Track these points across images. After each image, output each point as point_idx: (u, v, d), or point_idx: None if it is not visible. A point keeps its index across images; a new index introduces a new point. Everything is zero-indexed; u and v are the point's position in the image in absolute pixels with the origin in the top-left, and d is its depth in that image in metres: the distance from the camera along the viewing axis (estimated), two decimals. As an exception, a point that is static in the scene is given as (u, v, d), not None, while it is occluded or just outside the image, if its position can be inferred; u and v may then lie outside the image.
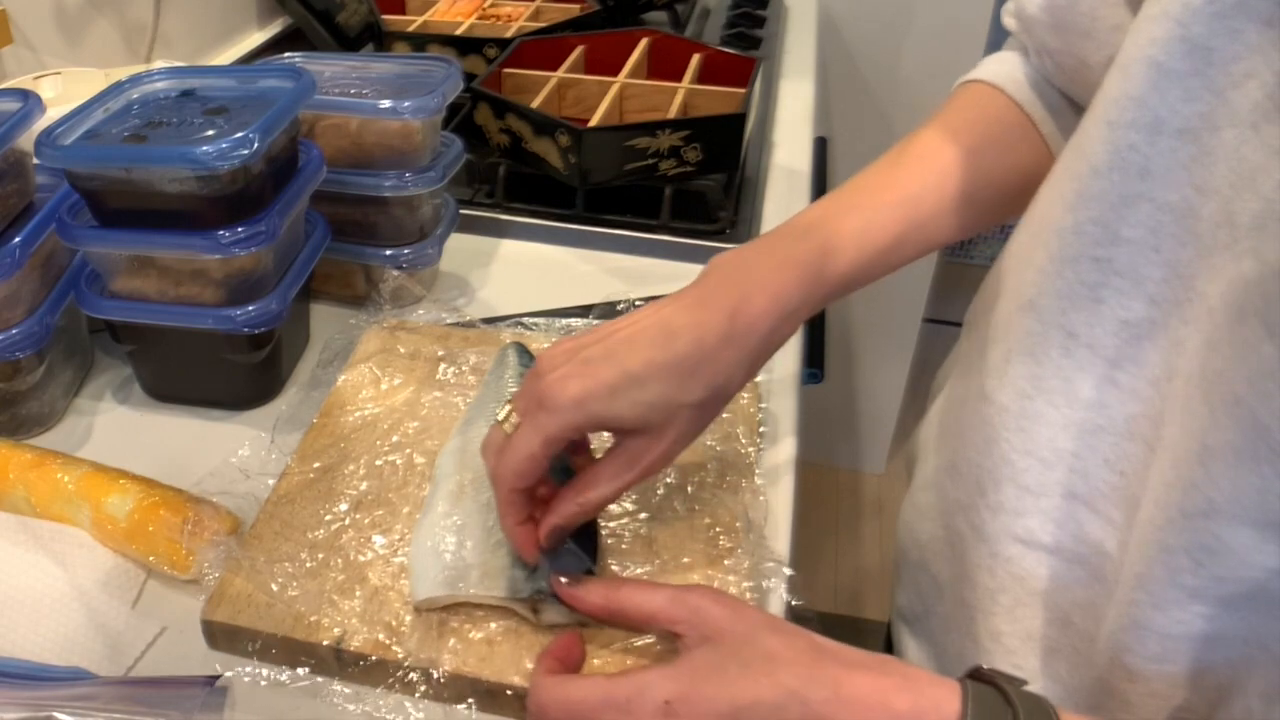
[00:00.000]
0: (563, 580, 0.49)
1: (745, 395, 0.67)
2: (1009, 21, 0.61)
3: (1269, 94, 0.38)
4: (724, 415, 0.65)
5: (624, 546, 0.56)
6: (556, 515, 0.49)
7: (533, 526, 0.50)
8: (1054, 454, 0.48)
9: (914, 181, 0.57)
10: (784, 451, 0.66)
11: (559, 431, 0.47)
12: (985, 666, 0.42)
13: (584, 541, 0.53)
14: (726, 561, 0.55)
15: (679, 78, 1.00)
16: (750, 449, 0.63)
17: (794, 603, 0.54)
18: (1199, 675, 0.41)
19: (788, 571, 0.56)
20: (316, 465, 0.61)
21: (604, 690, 0.43)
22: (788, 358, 0.74)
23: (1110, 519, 0.46)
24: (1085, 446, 0.47)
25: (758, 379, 0.68)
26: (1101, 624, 0.46)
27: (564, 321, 0.75)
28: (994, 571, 0.52)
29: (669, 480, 0.60)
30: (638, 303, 0.76)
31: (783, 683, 0.41)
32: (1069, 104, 0.59)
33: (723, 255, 0.53)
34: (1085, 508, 0.47)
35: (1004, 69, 0.61)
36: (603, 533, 0.56)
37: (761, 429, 0.65)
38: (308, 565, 0.54)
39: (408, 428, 0.64)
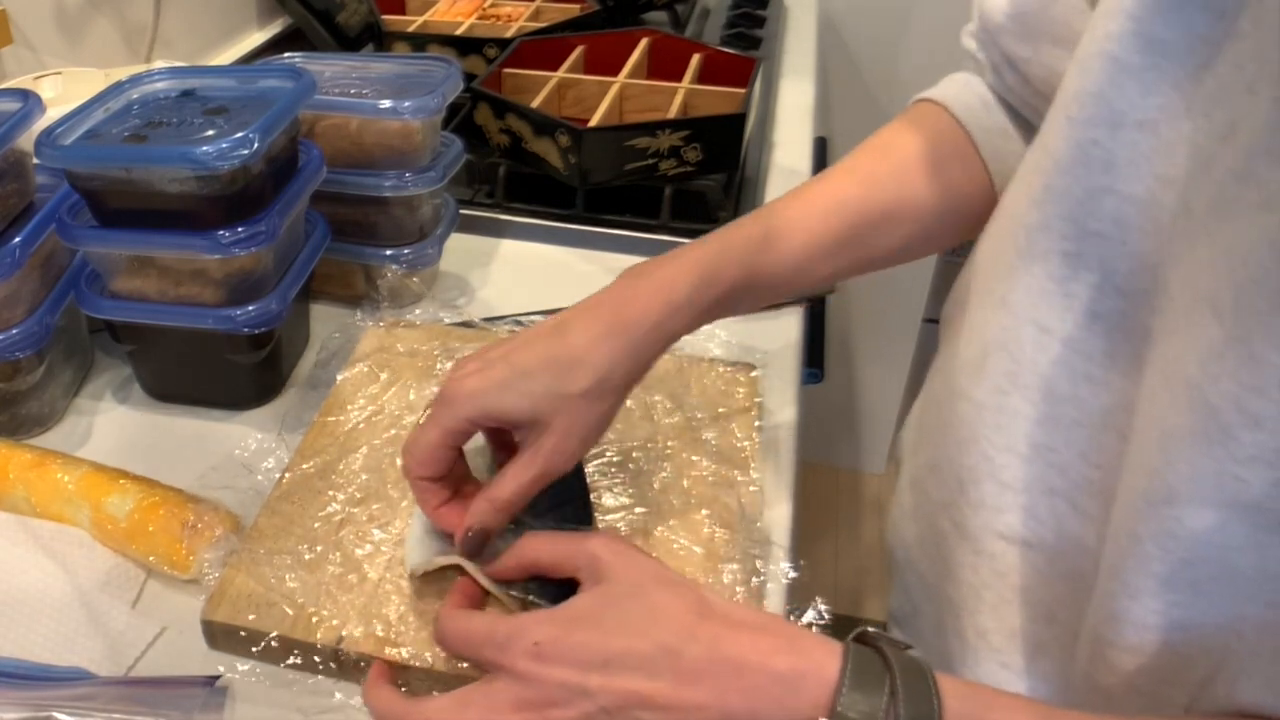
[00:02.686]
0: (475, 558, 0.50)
1: (741, 390, 0.67)
2: (968, 42, 0.61)
3: (1221, 84, 0.39)
4: (720, 410, 0.65)
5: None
6: (471, 517, 0.50)
7: (455, 508, 0.52)
8: (1032, 449, 0.48)
9: (830, 200, 0.58)
10: (784, 450, 0.66)
11: (453, 423, 0.50)
12: (871, 630, 0.43)
13: (578, 507, 0.54)
14: (723, 553, 0.55)
15: (679, 78, 1.00)
16: (746, 443, 0.63)
17: (793, 578, 0.54)
18: (1179, 668, 0.41)
19: (786, 565, 0.56)
20: (316, 462, 0.61)
21: (489, 627, 0.44)
22: (788, 357, 0.75)
23: (1088, 513, 0.47)
24: (1062, 441, 0.47)
25: (754, 373, 0.69)
26: (1083, 619, 0.46)
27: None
28: (977, 569, 0.52)
29: (664, 475, 0.60)
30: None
31: (658, 637, 0.41)
32: (1019, 126, 0.59)
33: (633, 265, 0.55)
34: (1064, 502, 0.47)
35: (953, 89, 0.62)
36: (599, 523, 0.57)
37: (757, 423, 0.65)
38: (306, 557, 0.54)
39: (406, 423, 0.64)
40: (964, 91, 0.61)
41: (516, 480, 0.49)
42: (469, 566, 0.50)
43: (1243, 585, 0.38)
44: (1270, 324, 0.35)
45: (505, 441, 0.56)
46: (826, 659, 0.40)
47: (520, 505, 0.50)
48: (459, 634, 0.46)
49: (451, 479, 0.52)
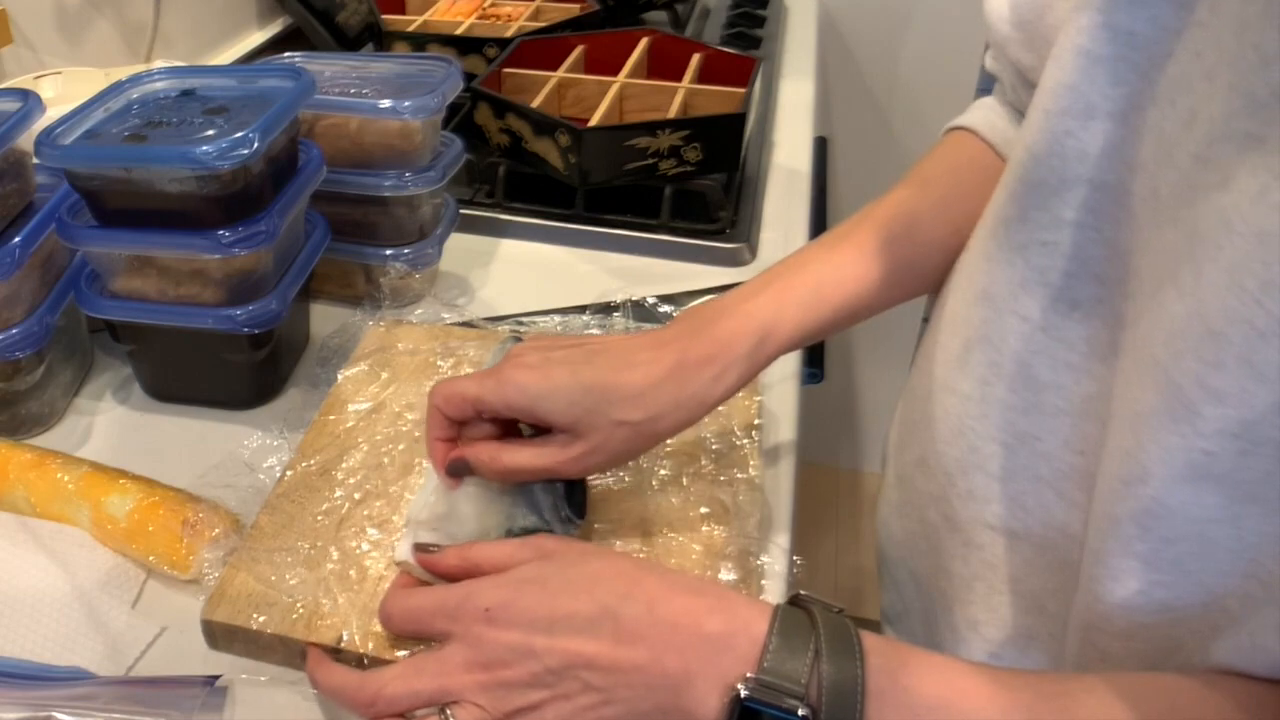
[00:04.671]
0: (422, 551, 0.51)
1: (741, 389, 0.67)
2: (989, 64, 0.62)
3: (1182, 71, 0.40)
4: (719, 409, 0.65)
5: (619, 537, 0.56)
6: (471, 452, 0.52)
7: (451, 447, 0.54)
8: (1016, 438, 0.49)
9: (875, 239, 0.59)
10: (784, 450, 0.66)
11: (497, 401, 0.51)
12: (804, 594, 0.44)
13: (572, 498, 0.55)
14: (722, 550, 0.55)
15: (679, 78, 1.00)
16: (745, 441, 0.63)
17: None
18: (1167, 651, 0.41)
19: (784, 564, 0.56)
20: (316, 461, 0.61)
21: (438, 598, 0.46)
22: (788, 357, 0.74)
23: (1074, 501, 0.47)
24: (1046, 429, 0.48)
25: None
26: (1072, 609, 0.47)
27: (562, 320, 0.75)
28: (968, 560, 0.53)
29: (664, 473, 0.60)
30: (635, 298, 0.76)
31: (599, 599, 0.43)
32: None
33: (695, 305, 0.57)
34: (1050, 490, 0.48)
35: (981, 113, 0.63)
36: (598, 525, 0.57)
37: (757, 421, 0.65)
38: (306, 555, 0.54)
39: (406, 420, 0.64)
40: (989, 114, 0.63)
41: (529, 458, 0.51)
42: (414, 569, 0.51)
43: (1222, 559, 0.38)
44: (1226, 300, 0.36)
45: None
46: (755, 619, 0.42)
47: (520, 476, 0.52)
48: (406, 611, 0.47)
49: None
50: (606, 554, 0.46)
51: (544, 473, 0.52)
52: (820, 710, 0.39)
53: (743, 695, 0.39)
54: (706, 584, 0.45)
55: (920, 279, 0.60)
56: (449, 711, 0.43)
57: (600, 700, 0.42)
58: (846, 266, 0.58)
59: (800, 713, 0.39)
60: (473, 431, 0.55)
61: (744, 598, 0.44)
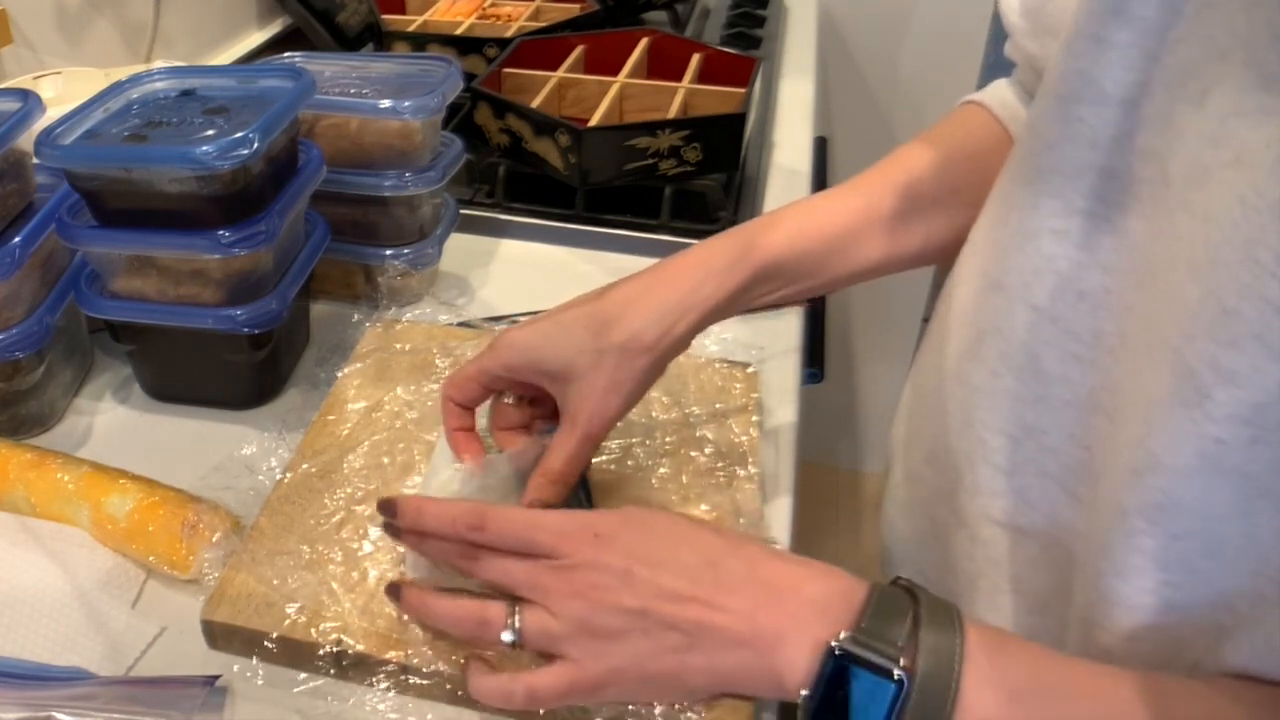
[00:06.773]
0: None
1: (738, 386, 0.67)
2: (1008, 50, 0.63)
3: (1193, 55, 0.40)
4: (717, 405, 0.65)
5: None
6: (529, 492, 0.53)
7: (470, 435, 0.56)
8: (1024, 431, 0.49)
9: (875, 183, 0.60)
10: (784, 451, 0.66)
11: (493, 365, 0.54)
12: (903, 578, 0.46)
13: (581, 499, 0.56)
14: None
15: (679, 78, 1.00)
16: (744, 438, 0.63)
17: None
18: (1172, 653, 0.41)
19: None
20: (317, 462, 0.61)
21: (550, 518, 0.48)
22: (787, 357, 0.75)
23: (1078, 497, 0.47)
24: (1052, 422, 0.48)
25: (750, 367, 0.69)
26: (1072, 608, 0.47)
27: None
28: (973, 556, 0.53)
29: (663, 470, 0.60)
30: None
31: (702, 552, 0.45)
32: None
33: None
34: (1057, 486, 0.48)
35: (994, 90, 0.64)
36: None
37: (755, 419, 0.65)
38: (307, 557, 0.54)
39: (407, 420, 0.64)
40: (1003, 92, 0.64)
41: (564, 449, 0.52)
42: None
43: (1232, 557, 0.38)
44: (1240, 276, 0.36)
45: (539, 411, 0.58)
46: (856, 589, 0.43)
47: (574, 473, 0.53)
48: (514, 523, 0.48)
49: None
50: (710, 523, 0.48)
51: (582, 446, 0.52)
52: (915, 674, 0.39)
53: (836, 650, 0.40)
54: (807, 559, 0.46)
55: (918, 236, 0.60)
56: (518, 609, 0.45)
57: (683, 644, 0.43)
58: (839, 200, 0.60)
59: (895, 673, 0.39)
60: (501, 420, 0.56)
61: (845, 573, 0.45)
